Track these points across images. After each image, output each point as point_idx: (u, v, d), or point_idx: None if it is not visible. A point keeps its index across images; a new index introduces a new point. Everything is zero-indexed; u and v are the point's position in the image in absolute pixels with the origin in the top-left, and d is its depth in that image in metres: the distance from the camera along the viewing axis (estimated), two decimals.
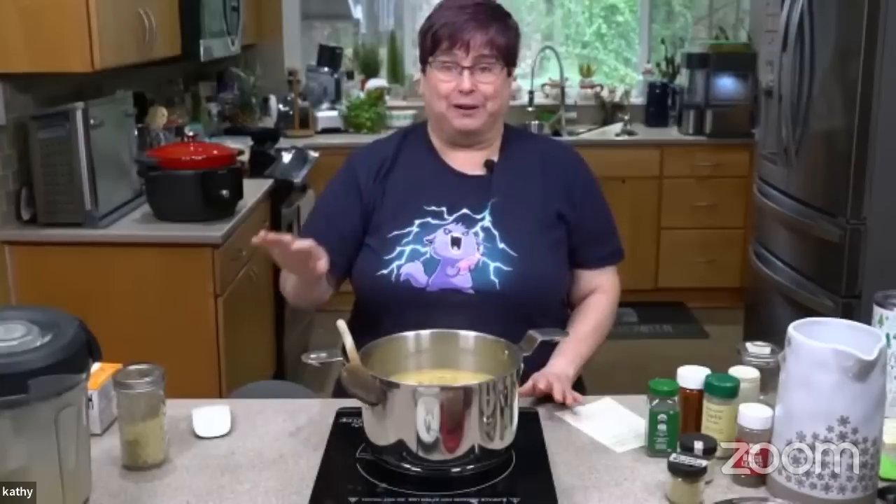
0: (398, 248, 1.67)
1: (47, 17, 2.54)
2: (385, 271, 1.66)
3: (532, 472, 1.28)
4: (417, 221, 1.69)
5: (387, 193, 1.73)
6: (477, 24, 1.66)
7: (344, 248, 1.73)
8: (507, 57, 1.70)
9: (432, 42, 1.69)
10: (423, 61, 1.73)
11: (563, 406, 1.51)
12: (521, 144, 1.81)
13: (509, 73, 1.73)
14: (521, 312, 1.61)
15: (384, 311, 1.67)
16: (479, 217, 1.70)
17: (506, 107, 1.75)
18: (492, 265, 1.65)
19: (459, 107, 1.68)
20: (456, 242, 1.67)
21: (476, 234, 1.68)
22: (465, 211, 1.70)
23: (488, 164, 1.76)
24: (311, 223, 1.82)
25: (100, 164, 2.73)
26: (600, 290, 1.80)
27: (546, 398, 1.53)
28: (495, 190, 1.73)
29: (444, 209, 1.70)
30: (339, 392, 1.69)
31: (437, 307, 1.61)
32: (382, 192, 1.74)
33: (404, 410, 1.23)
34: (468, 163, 1.76)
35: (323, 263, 1.53)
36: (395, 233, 1.69)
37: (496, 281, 1.64)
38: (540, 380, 1.53)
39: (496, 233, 1.68)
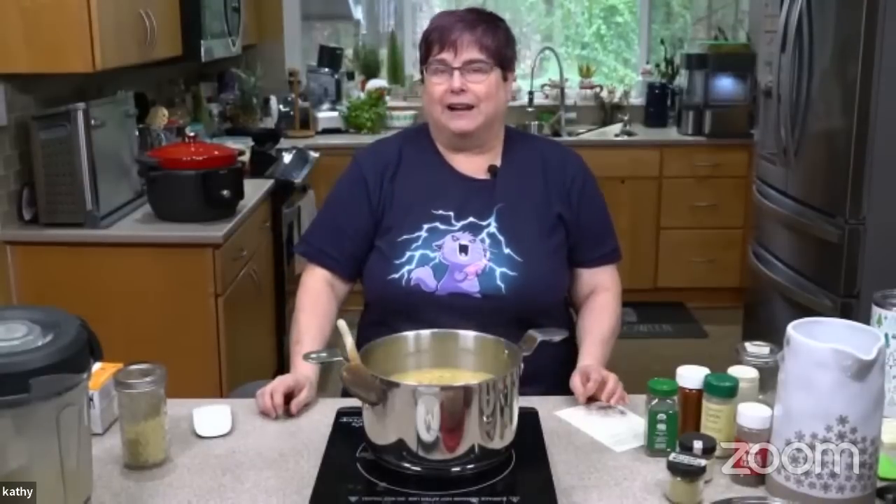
0: (408, 253, 1.70)
1: (48, 18, 2.55)
2: (396, 275, 1.69)
3: (532, 472, 1.28)
4: (426, 226, 1.72)
5: (395, 196, 1.75)
6: (465, 26, 1.70)
7: (353, 248, 1.76)
8: (499, 58, 1.72)
9: (426, 47, 1.74)
10: (422, 70, 1.77)
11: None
12: (523, 147, 1.83)
13: (505, 78, 1.74)
14: (525, 315, 1.64)
15: (396, 313, 1.69)
16: (485, 224, 1.72)
17: (502, 110, 1.77)
18: (498, 270, 1.68)
19: (453, 108, 1.71)
20: (464, 249, 1.70)
21: (483, 240, 1.70)
22: (471, 219, 1.72)
23: (492, 170, 1.77)
24: (319, 224, 1.83)
25: (101, 165, 2.73)
26: (603, 287, 1.81)
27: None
28: (500, 195, 1.75)
29: (451, 213, 1.73)
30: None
31: (447, 310, 1.64)
32: (391, 193, 1.76)
33: (404, 410, 1.23)
34: (472, 167, 1.78)
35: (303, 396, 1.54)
36: (405, 237, 1.72)
37: (502, 286, 1.67)
38: (609, 377, 1.54)
39: (501, 238, 1.71)
